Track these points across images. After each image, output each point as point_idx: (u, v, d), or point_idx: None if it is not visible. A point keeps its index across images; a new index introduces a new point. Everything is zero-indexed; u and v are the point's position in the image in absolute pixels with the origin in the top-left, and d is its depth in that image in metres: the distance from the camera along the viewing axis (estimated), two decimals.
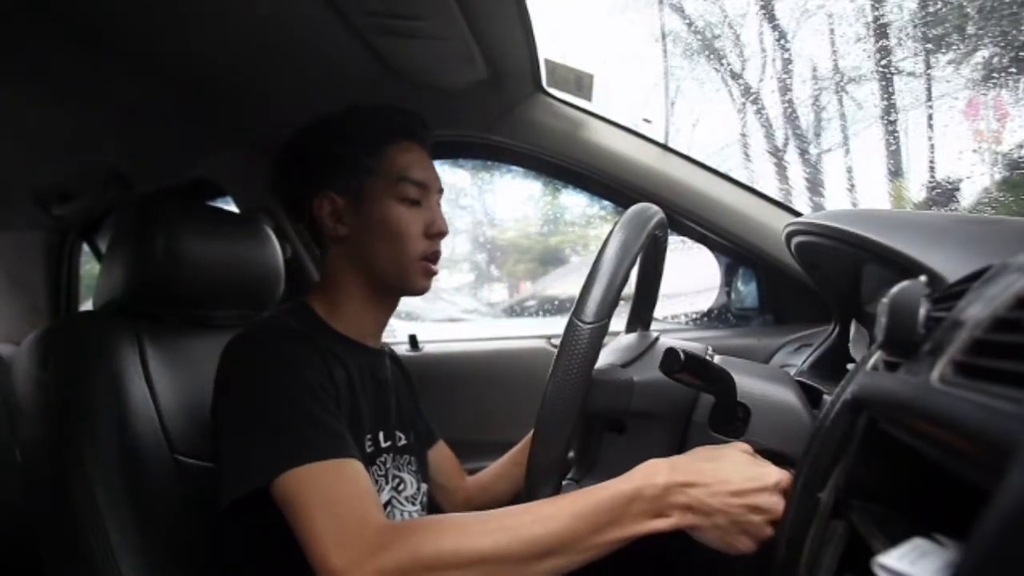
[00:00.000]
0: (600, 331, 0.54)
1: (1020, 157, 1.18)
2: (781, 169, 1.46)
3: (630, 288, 0.69)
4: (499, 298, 2.15)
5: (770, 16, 1.51)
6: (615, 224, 0.59)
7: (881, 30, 1.33)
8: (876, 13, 1.34)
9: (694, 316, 1.33)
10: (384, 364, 0.83)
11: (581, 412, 0.57)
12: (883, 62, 1.28)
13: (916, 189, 1.34)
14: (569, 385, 0.54)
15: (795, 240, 0.81)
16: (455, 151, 1.27)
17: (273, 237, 0.97)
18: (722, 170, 1.15)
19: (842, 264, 0.74)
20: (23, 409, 0.76)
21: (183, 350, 0.83)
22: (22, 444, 0.76)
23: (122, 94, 0.96)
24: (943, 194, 1.25)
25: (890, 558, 0.30)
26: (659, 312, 0.81)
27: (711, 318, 1.30)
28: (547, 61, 1.05)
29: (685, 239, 1.19)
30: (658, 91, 1.41)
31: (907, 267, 0.56)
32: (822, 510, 0.45)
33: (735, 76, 1.60)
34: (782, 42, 1.51)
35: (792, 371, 0.82)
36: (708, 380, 0.58)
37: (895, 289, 0.39)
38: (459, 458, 0.98)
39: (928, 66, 1.26)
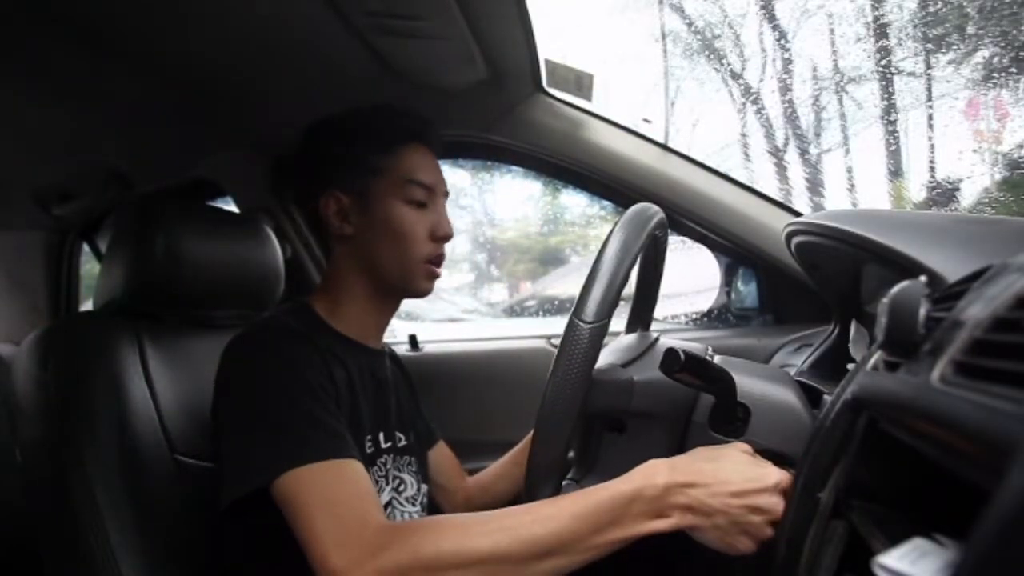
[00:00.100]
0: (600, 331, 0.54)
1: (1020, 157, 1.18)
2: (781, 169, 1.46)
3: (630, 288, 0.69)
4: (499, 298, 2.15)
5: (770, 16, 1.51)
6: (615, 224, 0.59)
7: (881, 30, 1.33)
8: (876, 13, 1.34)
9: (694, 316, 1.33)
10: (384, 365, 0.83)
11: (581, 412, 0.57)
12: (883, 62, 1.28)
13: (916, 189, 1.34)
14: (569, 385, 0.54)
15: (795, 240, 0.81)
16: (455, 151, 1.27)
17: (273, 237, 0.97)
18: (722, 170, 1.15)
19: (842, 264, 0.74)
20: (23, 409, 0.76)
21: (183, 350, 0.83)
22: (22, 444, 0.76)
23: (122, 94, 0.96)
24: (943, 194, 1.25)
25: (890, 558, 0.30)
26: (659, 312, 0.81)
27: (711, 318, 1.30)
28: (547, 61, 1.05)
29: (685, 239, 1.19)
30: (658, 91, 1.41)
31: (907, 267, 0.56)
32: (822, 510, 0.45)
33: (735, 76, 1.60)
34: (782, 42, 1.51)
35: (792, 371, 0.82)
36: (708, 380, 0.58)
37: (895, 289, 0.39)
38: (459, 458, 0.98)
39: (928, 66, 1.26)
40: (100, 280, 0.87)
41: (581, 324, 0.54)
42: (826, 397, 0.64)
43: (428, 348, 1.25)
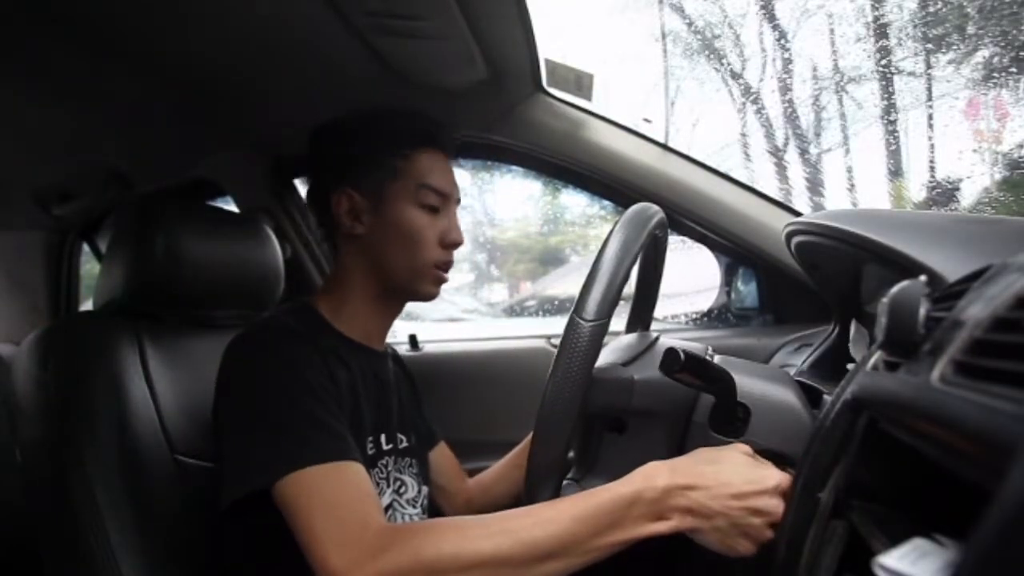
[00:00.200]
0: (601, 329, 0.54)
1: (1020, 157, 1.18)
2: (781, 169, 1.46)
3: (630, 288, 0.69)
4: (499, 298, 2.15)
5: (770, 16, 1.51)
6: (615, 224, 0.59)
7: (881, 30, 1.33)
8: (876, 13, 1.34)
9: (694, 316, 1.33)
10: (387, 366, 0.83)
11: (582, 410, 0.57)
12: (883, 62, 1.28)
13: (916, 189, 1.34)
14: (570, 383, 0.54)
15: (795, 240, 0.81)
16: (455, 151, 1.27)
17: (273, 237, 0.97)
18: (722, 170, 1.15)
19: (842, 264, 0.74)
20: (23, 409, 0.76)
21: (183, 350, 0.83)
22: (22, 444, 0.76)
23: (122, 94, 0.96)
24: (943, 194, 1.25)
25: (890, 558, 0.30)
26: (659, 312, 0.81)
27: (711, 318, 1.30)
28: (547, 61, 1.05)
29: (685, 239, 1.19)
30: (658, 91, 1.41)
31: (907, 267, 0.56)
32: (822, 510, 0.45)
33: (735, 76, 1.60)
34: (782, 42, 1.51)
35: (792, 371, 0.82)
36: (708, 380, 0.58)
37: (895, 289, 0.39)
38: (459, 458, 0.98)
39: (928, 66, 1.26)
40: (100, 280, 0.87)
41: (582, 322, 0.54)
42: (826, 397, 0.64)
43: (428, 348, 1.25)
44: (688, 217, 1.12)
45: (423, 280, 0.78)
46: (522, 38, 0.93)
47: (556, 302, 1.84)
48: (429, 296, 0.80)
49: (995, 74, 1.18)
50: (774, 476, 0.54)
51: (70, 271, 1.59)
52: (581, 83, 1.10)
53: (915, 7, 1.29)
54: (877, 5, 1.34)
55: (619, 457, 0.63)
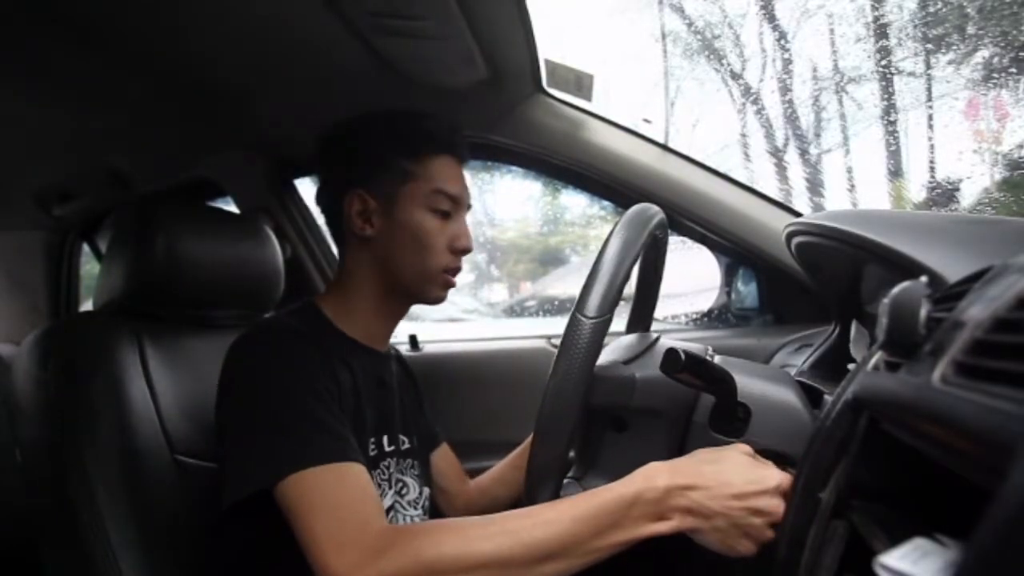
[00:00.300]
0: (603, 326, 0.54)
1: (1020, 157, 1.18)
2: (781, 169, 1.46)
3: (630, 289, 0.69)
4: (499, 298, 2.15)
5: (770, 16, 1.51)
6: (616, 224, 0.59)
7: (881, 30, 1.33)
8: (876, 13, 1.34)
9: (694, 316, 1.33)
10: (390, 367, 0.83)
11: (583, 408, 0.57)
12: (883, 62, 1.28)
13: (916, 189, 1.34)
14: (572, 379, 0.54)
15: (795, 240, 0.81)
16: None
17: (273, 237, 0.97)
18: (722, 170, 1.15)
19: (842, 264, 0.74)
20: (23, 409, 0.76)
21: (183, 350, 0.83)
22: (22, 444, 0.77)
23: (122, 94, 0.96)
24: (943, 194, 1.25)
25: (891, 558, 0.30)
26: (659, 312, 0.81)
27: (711, 318, 1.30)
28: (547, 61, 1.05)
29: (685, 239, 1.19)
30: (658, 91, 1.41)
31: (907, 267, 0.56)
32: (823, 510, 0.45)
33: (735, 76, 1.60)
34: (782, 42, 1.51)
35: (792, 371, 0.81)
36: (708, 380, 0.58)
37: (896, 289, 0.39)
38: (459, 458, 0.98)
39: (928, 66, 1.26)
40: (100, 280, 0.88)
41: (583, 319, 0.54)
42: (826, 397, 0.64)
43: (428, 348, 1.25)
44: (688, 217, 1.12)
45: (431, 284, 0.78)
46: (522, 38, 0.93)
47: (556, 302, 1.84)
48: (436, 300, 0.80)
49: (995, 74, 1.18)
50: (775, 476, 0.54)
51: (70, 271, 1.59)
52: (581, 83, 1.10)
53: (915, 7, 1.29)
54: (877, 5, 1.34)
55: (620, 456, 0.63)
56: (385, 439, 0.77)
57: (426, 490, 0.84)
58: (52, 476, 0.72)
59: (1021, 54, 1.14)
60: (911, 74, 1.29)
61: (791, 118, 1.49)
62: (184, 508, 0.75)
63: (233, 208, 1.30)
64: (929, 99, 1.26)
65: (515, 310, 2.04)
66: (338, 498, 0.58)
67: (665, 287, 0.78)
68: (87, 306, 1.64)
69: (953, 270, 0.49)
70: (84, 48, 0.82)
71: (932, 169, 1.29)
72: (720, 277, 1.26)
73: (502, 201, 1.96)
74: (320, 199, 0.82)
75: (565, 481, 0.63)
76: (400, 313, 0.83)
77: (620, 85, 1.32)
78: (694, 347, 0.65)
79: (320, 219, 1.36)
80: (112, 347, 0.76)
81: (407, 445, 0.81)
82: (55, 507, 0.72)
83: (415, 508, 0.79)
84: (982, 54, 1.21)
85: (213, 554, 0.72)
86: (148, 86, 0.94)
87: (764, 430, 0.59)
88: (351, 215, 0.77)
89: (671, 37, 1.58)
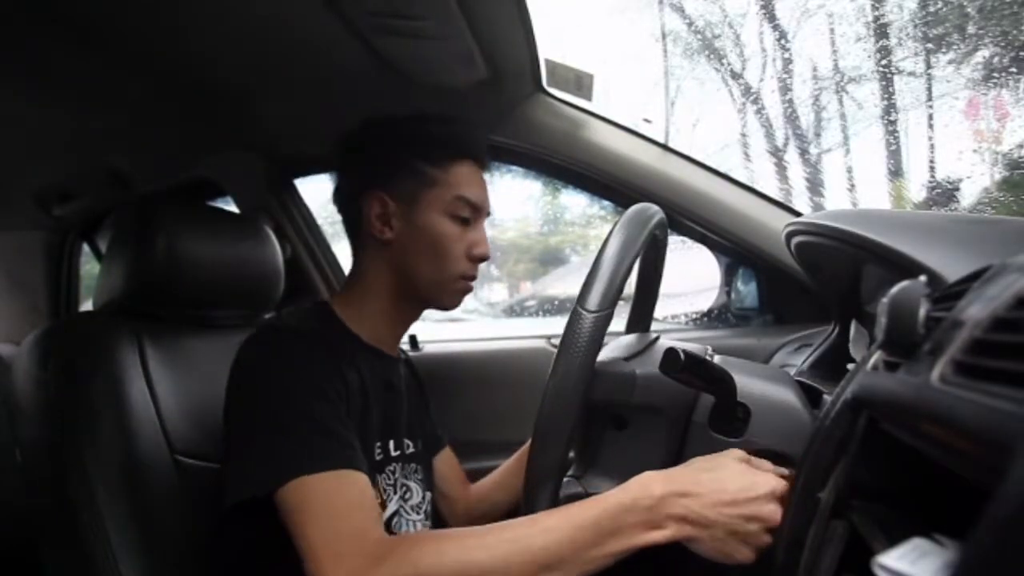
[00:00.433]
0: (603, 320, 0.54)
1: (1020, 157, 1.18)
2: (781, 169, 1.46)
3: (630, 289, 0.69)
4: (499, 298, 2.15)
5: (770, 16, 1.51)
6: (616, 223, 0.59)
7: (881, 30, 1.33)
8: (876, 13, 1.34)
9: (694, 316, 1.33)
10: (398, 372, 0.82)
11: (583, 405, 0.57)
12: (883, 62, 1.28)
13: (916, 189, 1.34)
14: (573, 373, 0.54)
15: (795, 240, 0.81)
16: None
17: (273, 237, 0.97)
18: (722, 170, 1.15)
19: (842, 264, 0.74)
20: (23, 409, 0.76)
21: (183, 350, 0.83)
22: (22, 444, 0.77)
23: (122, 94, 0.96)
24: (943, 194, 1.25)
25: (890, 558, 0.30)
26: (659, 312, 0.81)
27: (711, 318, 1.30)
28: (547, 61, 1.05)
29: (685, 239, 1.19)
30: (658, 91, 1.40)
31: (907, 267, 0.56)
32: (822, 510, 0.45)
33: (735, 76, 1.60)
34: (782, 42, 1.51)
35: (792, 371, 0.81)
36: (708, 380, 0.58)
37: (895, 289, 0.39)
38: (458, 458, 0.98)
39: (928, 66, 1.26)
40: (100, 280, 0.88)
41: (585, 313, 0.54)
42: (826, 397, 0.64)
43: (428, 348, 1.25)
44: (688, 217, 1.12)
45: (448, 291, 0.78)
46: (522, 38, 0.93)
47: (556, 302, 1.84)
48: (451, 306, 0.80)
49: (995, 74, 1.18)
50: (769, 481, 0.53)
51: (70, 271, 1.59)
52: (581, 83, 1.10)
53: (915, 7, 1.29)
54: (877, 5, 1.34)
55: (620, 454, 0.63)
56: (391, 443, 0.77)
57: (429, 494, 0.83)
58: (52, 476, 0.72)
59: (1021, 54, 1.14)
60: (911, 74, 1.29)
61: (791, 118, 1.49)
62: (184, 508, 0.75)
63: (233, 208, 1.30)
64: (929, 99, 1.26)
65: (515, 310, 2.04)
66: (336, 507, 0.58)
67: (665, 287, 0.78)
68: (87, 306, 1.64)
69: (952, 270, 0.49)
70: (84, 48, 0.82)
71: (932, 169, 1.29)
72: (720, 277, 1.26)
73: (502, 201, 1.96)
74: (337, 199, 0.82)
75: (565, 480, 0.63)
76: (412, 318, 0.83)
77: (620, 85, 1.32)
78: (694, 347, 0.65)
79: (320, 219, 1.36)
80: (112, 347, 0.76)
81: (412, 449, 0.81)
82: (55, 507, 0.72)
83: (418, 513, 0.79)
84: (982, 54, 1.21)
85: (213, 554, 0.72)
86: (148, 86, 0.94)
87: (764, 430, 0.59)
88: (370, 217, 0.76)
89: (671, 37, 1.58)
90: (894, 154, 1.33)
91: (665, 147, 1.16)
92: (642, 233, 0.58)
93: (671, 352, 0.54)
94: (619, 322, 0.67)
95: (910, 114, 1.31)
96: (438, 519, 0.90)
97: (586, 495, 0.60)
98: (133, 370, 0.76)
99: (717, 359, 0.65)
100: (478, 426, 1.16)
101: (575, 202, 1.81)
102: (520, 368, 1.21)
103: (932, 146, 1.28)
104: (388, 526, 0.74)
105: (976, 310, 0.32)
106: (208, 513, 0.72)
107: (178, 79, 0.94)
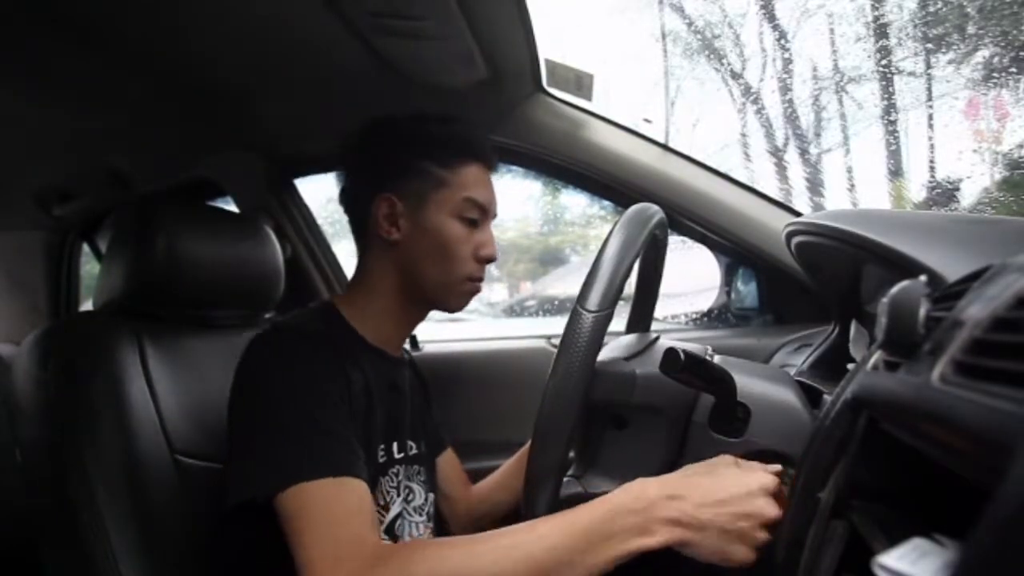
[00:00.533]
0: (604, 320, 0.54)
1: (1020, 157, 1.18)
2: (781, 169, 1.46)
3: (630, 289, 0.69)
4: (499, 298, 2.15)
5: (770, 16, 1.51)
6: (616, 223, 0.59)
7: (881, 30, 1.33)
8: (876, 13, 1.34)
9: (694, 316, 1.33)
10: (403, 373, 0.82)
11: (583, 405, 0.57)
12: (883, 62, 1.28)
13: (916, 189, 1.34)
14: (573, 373, 0.54)
15: (795, 240, 0.81)
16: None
17: (273, 237, 0.97)
18: (722, 170, 1.15)
19: (842, 264, 0.74)
20: (23, 409, 0.76)
21: (183, 350, 0.83)
22: (22, 444, 0.77)
23: (122, 94, 0.96)
24: (943, 194, 1.25)
25: (890, 558, 0.30)
26: (659, 312, 0.81)
27: (711, 318, 1.30)
28: (547, 61, 1.05)
29: (685, 239, 1.19)
30: (658, 91, 1.41)
31: (907, 267, 0.56)
32: (822, 510, 0.45)
33: (735, 76, 1.60)
34: (782, 42, 1.51)
35: (792, 371, 0.81)
36: (708, 380, 0.58)
37: (895, 289, 0.39)
38: (459, 458, 0.98)
39: (928, 66, 1.26)
40: (100, 280, 0.88)
41: (585, 312, 0.54)
42: (826, 397, 0.64)
43: (428, 348, 1.25)
44: (688, 217, 1.12)
45: (455, 293, 0.78)
46: (522, 38, 0.93)
47: (556, 302, 1.84)
48: (457, 308, 0.80)
49: (995, 74, 1.18)
50: (759, 478, 0.53)
51: (70, 271, 1.59)
52: (581, 83, 1.10)
53: (915, 7, 1.29)
54: (877, 5, 1.34)
55: (620, 454, 0.63)
56: (395, 445, 0.76)
57: (431, 496, 0.83)
58: (52, 476, 0.72)
59: (1021, 54, 1.14)
60: (911, 74, 1.29)
61: (791, 118, 1.49)
62: (184, 508, 0.75)
63: (233, 208, 1.30)
64: (929, 99, 1.26)
65: (515, 310, 2.03)
66: (336, 513, 0.58)
67: (665, 287, 0.78)
68: (87, 306, 1.64)
69: (952, 270, 0.49)
70: (84, 48, 0.82)
71: (932, 169, 1.29)
72: (720, 277, 1.26)
73: (502, 201, 1.95)
74: (344, 200, 0.81)
75: (565, 480, 0.63)
76: (418, 319, 0.83)
77: (620, 85, 1.32)
78: (694, 347, 0.65)
79: (320, 219, 1.36)
80: (112, 347, 0.76)
81: (415, 451, 0.81)
82: (55, 507, 0.72)
83: (420, 515, 0.79)
84: (982, 54, 1.21)
85: (213, 554, 0.72)
86: (148, 86, 0.94)
87: (764, 430, 0.59)
88: (378, 218, 0.76)
89: (671, 37, 1.58)
90: (894, 154, 1.33)
91: (665, 147, 1.16)
92: (642, 233, 0.58)
93: (671, 352, 0.54)
94: (619, 322, 0.67)
95: (910, 114, 1.31)
96: (439, 520, 0.89)
97: (586, 495, 0.60)
98: (133, 370, 0.76)
99: (717, 359, 0.65)
100: (478, 426, 1.16)
101: (575, 202, 1.81)
102: (520, 368, 1.21)
103: (932, 146, 1.28)
104: (391, 528, 0.74)
105: (976, 310, 0.32)
106: (208, 513, 0.72)
107: (178, 79, 0.94)
